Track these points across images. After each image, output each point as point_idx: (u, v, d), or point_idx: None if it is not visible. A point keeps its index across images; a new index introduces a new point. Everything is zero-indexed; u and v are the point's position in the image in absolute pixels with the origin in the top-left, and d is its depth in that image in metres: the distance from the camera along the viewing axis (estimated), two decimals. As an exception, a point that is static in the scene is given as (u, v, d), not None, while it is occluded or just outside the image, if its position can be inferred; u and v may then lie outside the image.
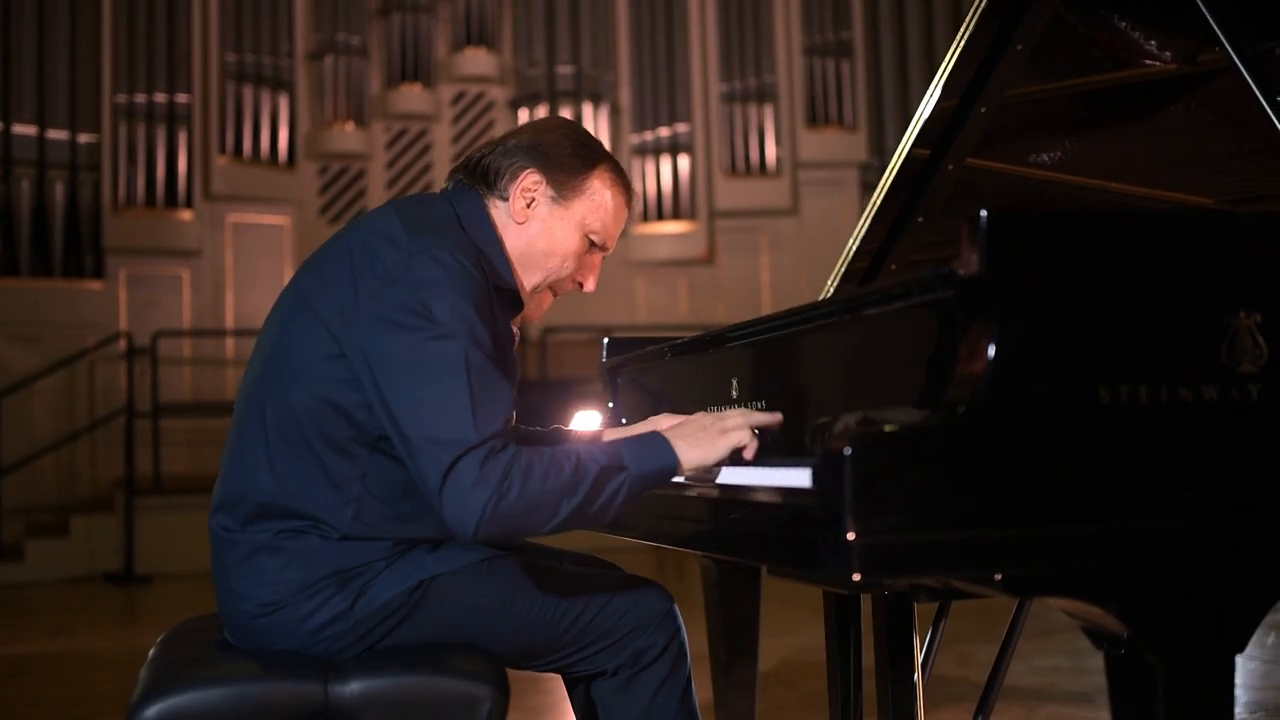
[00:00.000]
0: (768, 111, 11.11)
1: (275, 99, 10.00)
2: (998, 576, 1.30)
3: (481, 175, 1.89)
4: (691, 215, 10.99)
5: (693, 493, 1.77)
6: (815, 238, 10.91)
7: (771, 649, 2.78)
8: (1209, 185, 2.43)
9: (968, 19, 2.23)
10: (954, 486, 1.29)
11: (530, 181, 1.87)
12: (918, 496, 1.28)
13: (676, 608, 1.91)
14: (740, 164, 11.14)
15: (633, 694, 1.85)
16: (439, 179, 10.83)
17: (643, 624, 1.86)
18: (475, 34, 10.90)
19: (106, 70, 9.36)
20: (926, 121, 2.32)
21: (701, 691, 1.94)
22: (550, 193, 1.88)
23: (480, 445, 1.57)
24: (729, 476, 1.71)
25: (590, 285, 1.97)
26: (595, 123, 10.77)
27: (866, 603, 2.25)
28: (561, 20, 10.99)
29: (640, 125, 11.05)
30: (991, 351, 1.32)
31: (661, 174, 10.99)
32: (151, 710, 1.59)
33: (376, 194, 10.73)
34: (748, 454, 1.73)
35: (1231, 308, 1.39)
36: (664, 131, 11.04)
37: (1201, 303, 1.39)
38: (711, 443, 1.71)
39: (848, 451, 1.27)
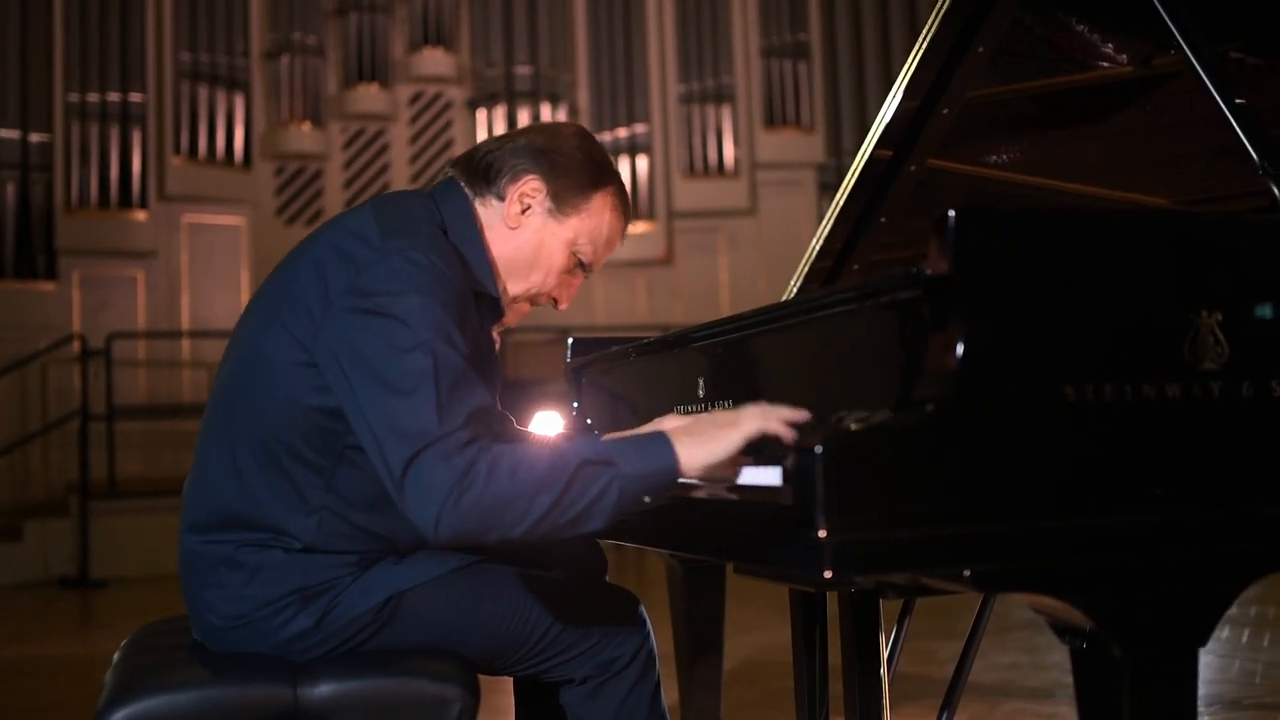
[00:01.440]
0: (725, 112, 11.14)
1: (231, 98, 9.89)
2: (966, 573, 1.31)
3: (482, 171, 1.84)
4: (650, 216, 10.99)
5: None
6: (773, 238, 10.96)
7: (732, 647, 2.79)
8: (1164, 186, 2.47)
9: (930, 21, 2.24)
10: (924, 484, 1.31)
11: (530, 187, 1.82)
12: (889, 494, 1.30)
13: (646, 614, 1.89)
14: (698, 164, 11.16)
15: (600, 702, 1.82)
16: (397, 179, 10.79)
17: (611, 632, 1.82)
18: (432, 34, 10.86)
19: (59, 69, 9.22)
20: (889, 123, 2.34)
21: (668, 691, 1.94)
22: (548, 204, 1.83)
23: (445, 437, 1.51)
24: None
25: (564, 304, 1.93)
26: (553, 123, 10.73)
27: (832, 600, 2.26)
28: (519, 20, 10.97)
29: (598, 126, 11.03)
30: (960, 350, 1.34)
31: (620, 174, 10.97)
32: (119, 715, 1.58)
33: (333, 194, 10.66)
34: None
35: (1193, 306, 1.41)
36: (622, 132, 11.04)
37: (1165, 301, 1.41)
38: (723, 437, 1.54)
39: (819, 449, 1.28)
